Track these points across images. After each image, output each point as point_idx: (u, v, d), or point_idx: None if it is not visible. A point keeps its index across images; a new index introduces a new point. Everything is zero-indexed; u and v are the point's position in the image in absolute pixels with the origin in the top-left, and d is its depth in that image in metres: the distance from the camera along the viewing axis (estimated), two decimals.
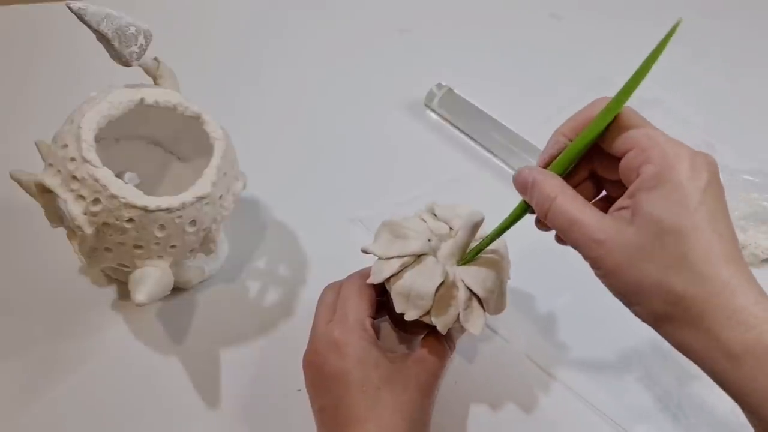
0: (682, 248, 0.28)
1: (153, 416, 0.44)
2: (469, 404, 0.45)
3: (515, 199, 0.51)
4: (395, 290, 0.39)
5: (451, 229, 0.41)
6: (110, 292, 0.50)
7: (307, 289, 0.51)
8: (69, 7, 0.39)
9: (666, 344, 0.31)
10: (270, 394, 0.45)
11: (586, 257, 0.32)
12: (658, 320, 0.30)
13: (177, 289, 0.47)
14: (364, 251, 0.41)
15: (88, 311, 0.49)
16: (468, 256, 0.40)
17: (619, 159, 0.32)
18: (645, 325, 0.32)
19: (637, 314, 0.31)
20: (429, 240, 0.40)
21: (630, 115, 0.32)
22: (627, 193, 0.31)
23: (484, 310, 0.40)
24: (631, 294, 0.30)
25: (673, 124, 0.63)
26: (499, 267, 0.40)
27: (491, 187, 0.59)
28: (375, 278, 0.40)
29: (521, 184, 0.34)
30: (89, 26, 0.39)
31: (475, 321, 0.39)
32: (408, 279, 0.39)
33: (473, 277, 0.39)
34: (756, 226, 0.54)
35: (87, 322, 0.48)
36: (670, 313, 0.29)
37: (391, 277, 0.39)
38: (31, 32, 0.71)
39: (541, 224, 0.36)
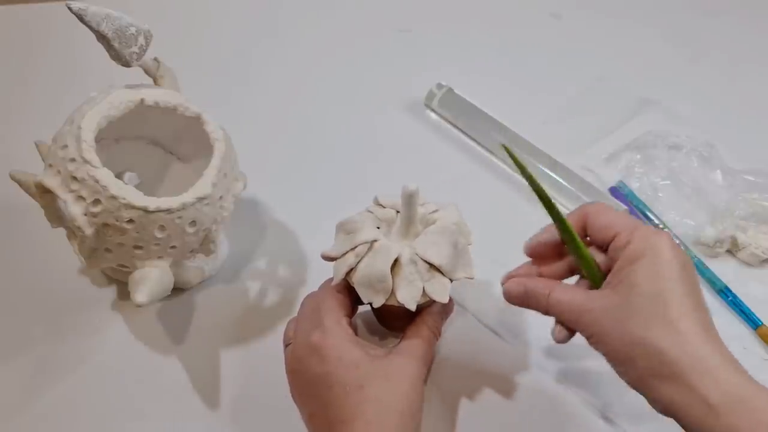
0: (662, 308, 0.32)
1: (153, 416, 0.44)
2: (468, 404, 0.45)
3: (515, 199, 0.51)
4: (357, 282, 0.40)
5: (398, 212, 0.42)
6: (110, 292, 0.50)
7: (307, 289, 0.51)
8: (69, 8, 0.39)
9: None
10: (270, 394, 0.45)
11: (581, 329, 0.36)
12: (643, 378, 0.33)
13: (177, 290, 0.47)
14: (323, 257, 0.42)
15: (88, 311, 0.49)
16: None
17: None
18: None
19: (627, 377, 0.34)
20: (378, 227, 0.42)
21: (604, 209, 0.38)
22: (614, 269, 0.35)
23: (450, 279, 0.40)
24: (619, 354, 0.34)
25: (674, 124, 0.62)
26: (452, 233, 0.41)
27: (491, 187, 0.59)
28: (336, 279, 0.41)
29: (517, 296, 0.39)
30: (89, 27, 0.39)
31: (440, 290, 0.40)
32: (364, 268, 0.39)
33: (427, 247, 0.39)
34: (756, 226, 0.54)
35: (87, 322, 0.48)
36: (653, 370, 0.32)
37: (349, 272, 0.40)
38: (31, 32, 0.71)
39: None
